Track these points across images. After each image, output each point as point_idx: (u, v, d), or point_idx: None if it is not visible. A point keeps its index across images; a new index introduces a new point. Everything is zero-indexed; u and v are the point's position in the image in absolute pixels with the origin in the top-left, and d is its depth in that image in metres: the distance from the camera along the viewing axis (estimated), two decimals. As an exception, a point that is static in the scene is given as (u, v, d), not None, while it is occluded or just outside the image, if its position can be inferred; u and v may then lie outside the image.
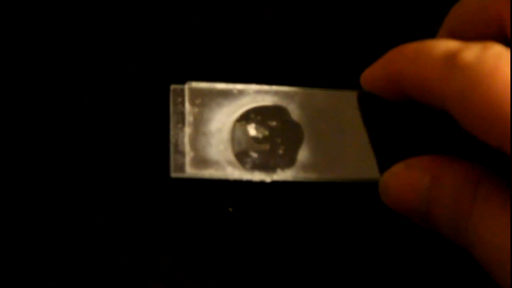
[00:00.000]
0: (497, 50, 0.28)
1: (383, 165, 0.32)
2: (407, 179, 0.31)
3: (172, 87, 0.33)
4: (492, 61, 0.28)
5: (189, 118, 0.32)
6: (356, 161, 0.33)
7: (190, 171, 0.32)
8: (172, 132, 0.32)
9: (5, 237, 0.32)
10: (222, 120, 0.33)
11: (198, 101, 0.33)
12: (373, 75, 0.33)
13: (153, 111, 0.34)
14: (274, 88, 0.33)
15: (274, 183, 0.32)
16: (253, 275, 0.32)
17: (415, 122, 0.33)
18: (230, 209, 0.33)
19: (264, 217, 0.33)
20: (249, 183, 0.33)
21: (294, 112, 0.33)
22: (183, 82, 0.33)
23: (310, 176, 0.32)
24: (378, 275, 0.33)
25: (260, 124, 0.33)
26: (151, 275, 0.32)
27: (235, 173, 0.32)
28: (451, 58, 0.29)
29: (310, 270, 0.32)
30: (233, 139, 0.32)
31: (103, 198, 0.32)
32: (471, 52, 0.29)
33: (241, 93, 0.33)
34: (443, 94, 0.29)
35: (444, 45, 0.30)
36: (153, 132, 0.33)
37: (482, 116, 0.28)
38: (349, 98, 0.33)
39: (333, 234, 0.33)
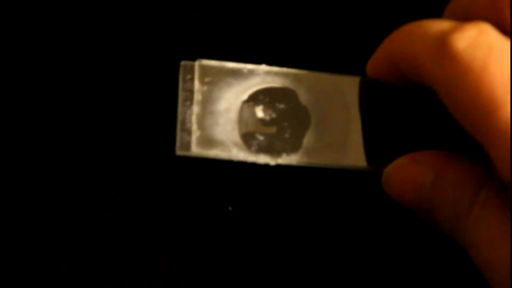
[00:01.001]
0: (491, 38, 0.27)
1: (388, 155, 0.32)
2: (411, 173, 0.31)
3: (183, 63, 0.33)
4: (485, 52, 0.27)
5: (197, 96, 0.32)
6: (361, 150, 0.33)
7: (196, 150, 0.32)
8: (179, 110, 0.32)
9: (2, 235, 0.32)
10: (231, 100, 0.33)
11: (207, 79, 0.33)
12: (375, 60, 0.32)
13: (162, 88, 0.34)
14: (284, 70, 0.33)
15: (276, 176, 0.33)
16: (253, 275, 0.33)
17: (423, 112, 0.33)
18: (230, 208, 0.33)
19: (264, 217, 0.33)
20: (250, 179, 0.33)
21: (303, 95, 0.33)
22: (193, 59, 0.33)
23: (315, 161, 0.32)
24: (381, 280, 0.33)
25: (268, 106, 0.33)
26: (151, 275, 0.32)
27: (240, 154, 0.32)
28: (443, 42, 0.28)
29: (310, 270, 0.33)
30: (240, 120, 0.32)
31: (103, 195, 0.33)
32: (464, 38, 0.28)
33: (251, 73, 0.33)
34: (434, 79, 0.29)
35: (437, 26, 0.29)
36: (161, 109, 0.33)
37: (468, 109, 0.27)
38: (358, 84, 0.33)
39: (333, 236, 0.33)
